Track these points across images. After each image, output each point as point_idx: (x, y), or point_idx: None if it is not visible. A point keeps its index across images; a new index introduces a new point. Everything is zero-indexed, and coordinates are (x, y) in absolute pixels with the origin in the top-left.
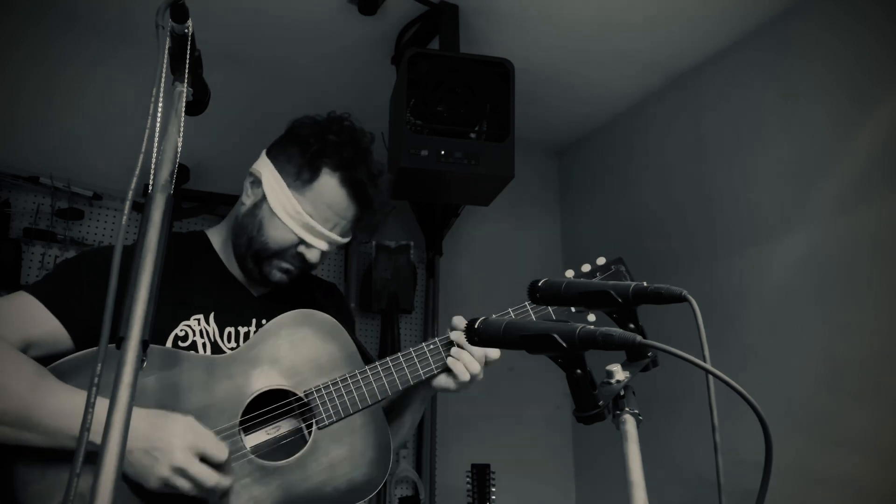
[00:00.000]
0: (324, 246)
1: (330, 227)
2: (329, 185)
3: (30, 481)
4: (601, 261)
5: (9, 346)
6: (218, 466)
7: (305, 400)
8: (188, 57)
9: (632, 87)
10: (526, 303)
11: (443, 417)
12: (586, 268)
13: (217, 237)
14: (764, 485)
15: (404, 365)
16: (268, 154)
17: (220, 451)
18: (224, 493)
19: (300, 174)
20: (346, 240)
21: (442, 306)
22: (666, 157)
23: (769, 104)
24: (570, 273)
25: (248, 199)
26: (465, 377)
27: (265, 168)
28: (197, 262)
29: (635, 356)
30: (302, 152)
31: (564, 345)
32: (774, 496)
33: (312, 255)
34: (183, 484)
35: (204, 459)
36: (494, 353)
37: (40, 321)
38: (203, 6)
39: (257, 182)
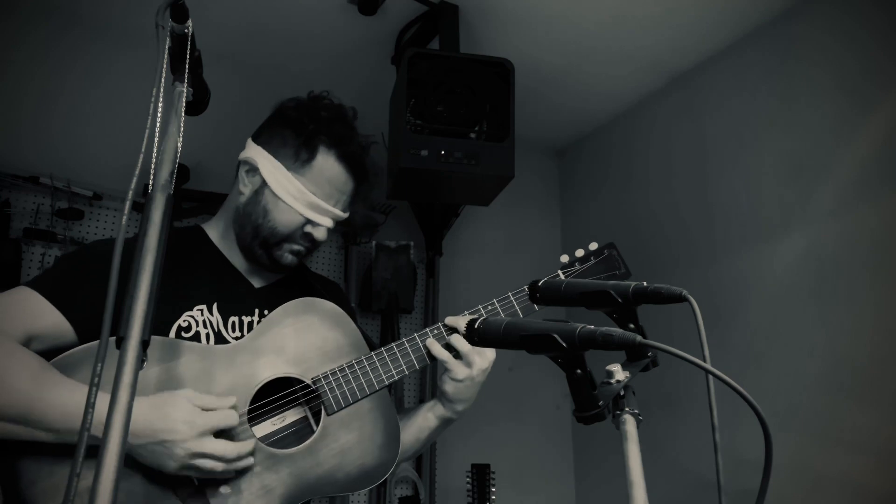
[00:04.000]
0: (329, 223)
1: (333, 203)
2: (328, 161)
3: (37, 479)
4: (593, 246)
5: (12, 341)
6: (230, 433)
7: (313, 387)
8: (188, 57)
9: (632, 86)
10: (510, 293)
11: None
12: (580, 253)
13: (214, 230)
14: (764, 485)
15: (409, 349)
16: (256, 140)
17: (228, 418)
18: (251, 454)
19: (298, 155)
20: (346, 214)
21: (442, 306)
22: (666, 157)
23: (769, 104)
24: (564, 258)
25: (246, 189)
26: (466, 348)
27: (259, 155)
28: (196, 255)
29: (635, 356)
30: (297, 133)
31: (564, 345)
32: (774, 496)
33: (320, 233)
34: (204, 464)
35: (217, 433)
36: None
37: (43, 315)
38: (203, 6)
39: (253, 170)
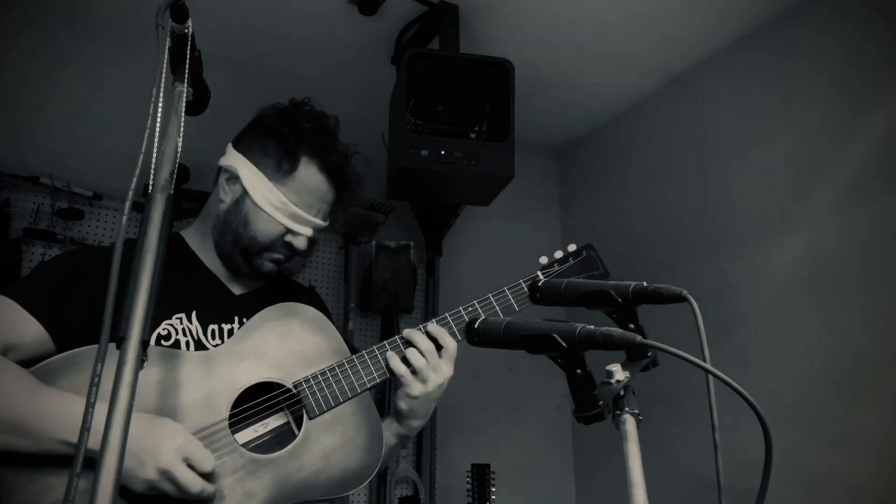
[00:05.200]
0: (309, 232)
1: (314, 213)
2: (309, 172)
3: (16, 486)
4: (572, 247)
5: None
6: (204, 475)
7: (294, 391)
8: (188, 57)
9: (632, 86)
10: (489, 295)
11: (443, 418)
12: (558, 254)
13: (193, 237)
14: (764, 485)
15: (390, 351)
16: (237, 147)
17: (206, 460)
18: (209, 499)
19: (280, 165)
20: (326, 223)
21: (442, 306)
22: (666, 158)
23: (768, 105)
24: (543, 259)
25: (227, 197)
26: (420, 363)
27: (240, 163)
28: (175, 263)
29: (635, 356)
30: (279, 143)
31: (564, 345)
32: (774, 496)
33: (300, 242)
34: (168, 488)
35: (190, 466)
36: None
37: (20, 324)
38: (203, 6)
39: (234, 178)
